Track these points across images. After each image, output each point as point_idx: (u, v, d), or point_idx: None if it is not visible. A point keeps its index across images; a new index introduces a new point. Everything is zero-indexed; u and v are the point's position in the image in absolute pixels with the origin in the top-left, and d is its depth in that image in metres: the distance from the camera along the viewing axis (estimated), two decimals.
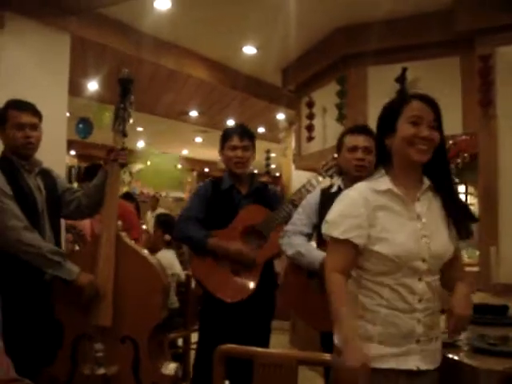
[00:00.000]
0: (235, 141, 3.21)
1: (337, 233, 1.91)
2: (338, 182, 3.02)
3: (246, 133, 3.28)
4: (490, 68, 4.41)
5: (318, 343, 2.99)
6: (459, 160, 2.71)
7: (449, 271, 1.99)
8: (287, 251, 2.92)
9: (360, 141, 2.88)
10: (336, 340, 1.82)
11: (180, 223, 3.28)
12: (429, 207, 1.95)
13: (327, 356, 1.96)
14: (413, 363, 1.87)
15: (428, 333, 1.90)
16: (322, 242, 2.82)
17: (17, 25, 3.80)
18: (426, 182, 1.97)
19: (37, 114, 2.94)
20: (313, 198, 3.02)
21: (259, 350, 2.11)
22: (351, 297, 1.92)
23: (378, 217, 1.89)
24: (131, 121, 3.03)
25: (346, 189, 2.69)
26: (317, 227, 2.93)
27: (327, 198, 2.87)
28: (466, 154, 2.72)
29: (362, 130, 2.95)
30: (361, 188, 1.97)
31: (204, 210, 3.21)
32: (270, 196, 3.32)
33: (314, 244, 3.07)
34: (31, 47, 3.91)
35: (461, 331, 1.98)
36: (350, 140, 2.91)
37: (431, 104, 1.92)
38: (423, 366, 1.89)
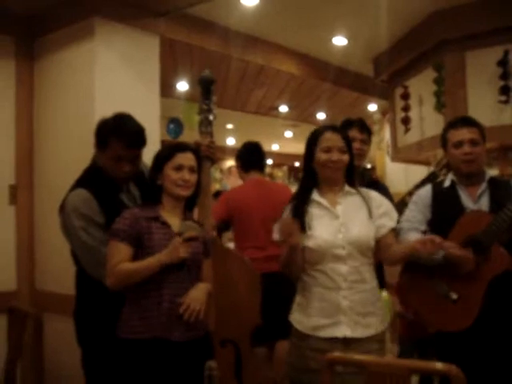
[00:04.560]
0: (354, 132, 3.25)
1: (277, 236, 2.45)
2: (450, 176, 2.86)
3: (364, 126, 3.35)
4: None
5: None
6: None
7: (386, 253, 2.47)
8: None
9: (465, 134, 2.75)
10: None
11: None
12: (346, 207, 2.46)
13: (440, 365, 1.90)
14: (342, 332, 2.31)
15: (356, 307, 2.33)
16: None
17: (106, 30, 3.82)
18: (346, 188, 2.51)
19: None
20: (424, 193, 2.89)
21: (370, 358, 2.06)
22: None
23: (310, 221, 2.44)
24: (213, 119, 3.00)
25: (460, 183, 2.54)
26: (430, 223, 2.80)
27: (440, 193, 2.82)
28: None
29: (465, 121, 2.82)
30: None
31: None
32: (382, 194, 2.81)
33: None
34: (121, 51, 3.90)
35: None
36: (454, 135, 2.79)
37: (340, 133, 2.50)
38: (352, 335, 2.31)
